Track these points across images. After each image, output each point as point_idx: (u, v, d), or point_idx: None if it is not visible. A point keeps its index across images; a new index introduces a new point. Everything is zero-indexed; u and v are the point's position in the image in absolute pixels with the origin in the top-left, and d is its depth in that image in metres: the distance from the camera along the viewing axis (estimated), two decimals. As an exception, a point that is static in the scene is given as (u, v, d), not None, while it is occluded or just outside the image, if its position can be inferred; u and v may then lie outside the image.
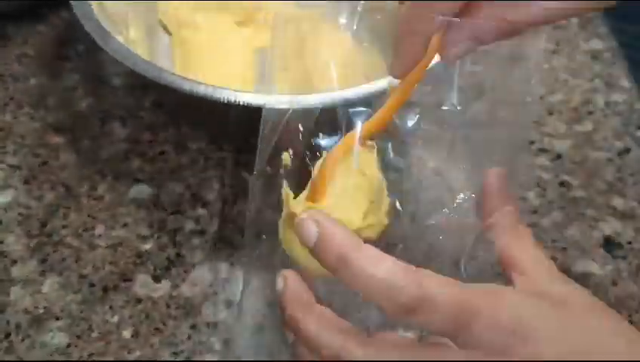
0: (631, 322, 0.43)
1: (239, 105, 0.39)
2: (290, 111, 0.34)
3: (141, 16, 0.51)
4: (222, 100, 0.39)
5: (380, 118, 0.33)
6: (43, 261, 0.44)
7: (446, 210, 0.35)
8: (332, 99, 0.39)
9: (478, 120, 0.48)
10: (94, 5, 0.45)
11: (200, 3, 0.56)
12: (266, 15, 0.57)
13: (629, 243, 0.47)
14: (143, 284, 0.43)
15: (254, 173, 0.34)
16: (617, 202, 0.50)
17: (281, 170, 0.35)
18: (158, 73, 0.41)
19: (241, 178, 0.49)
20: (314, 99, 0.39)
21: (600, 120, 0.56)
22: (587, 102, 0.57)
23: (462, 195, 0.35)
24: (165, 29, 0.55)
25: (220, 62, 0.54)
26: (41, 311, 0.42)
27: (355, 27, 0.48)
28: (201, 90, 0.40)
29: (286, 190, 0.34)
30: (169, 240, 0.45)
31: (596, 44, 0.62)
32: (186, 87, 0.40)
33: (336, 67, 0.48)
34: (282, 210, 0.34)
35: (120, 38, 0.44)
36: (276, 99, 0.38)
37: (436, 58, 0.31)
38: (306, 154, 0.35)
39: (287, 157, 0.35)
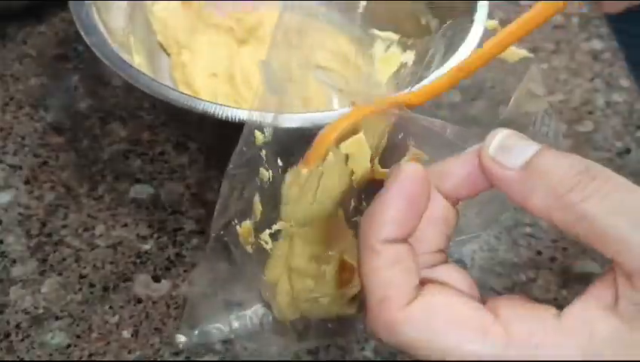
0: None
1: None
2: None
3: (142, 41, 0.51)
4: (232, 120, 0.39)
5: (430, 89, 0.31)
6: (43, 261, 0.44)
7: None
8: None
9: (479, 119, 0.48)
10: (104, 31, 0.44)
11: (198, 25, 0.56)
12: (267, 30, 0.57)
13: (629, 243, 0.47)
14: (143, 284, 0.43)
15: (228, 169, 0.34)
16: (617, 202, 0.50)
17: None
18: (166, 92, 0.40)
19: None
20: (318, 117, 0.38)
21: (600, 120, 0.56)
22: (587, 102, 0.57)
23: None
24: (165, 51, 0.55)
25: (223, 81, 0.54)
26: (41, 311, 0.42)
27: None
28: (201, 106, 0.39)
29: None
30: (169, 240, 0.45)
31: (596, 44, 0.62)
32: (200, 106, 0.39)
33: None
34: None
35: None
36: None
37: None
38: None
39: (264, 173, 0.35)
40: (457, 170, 0.25)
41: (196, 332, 0.40)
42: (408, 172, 0.24)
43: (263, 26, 0.56)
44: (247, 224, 0.36)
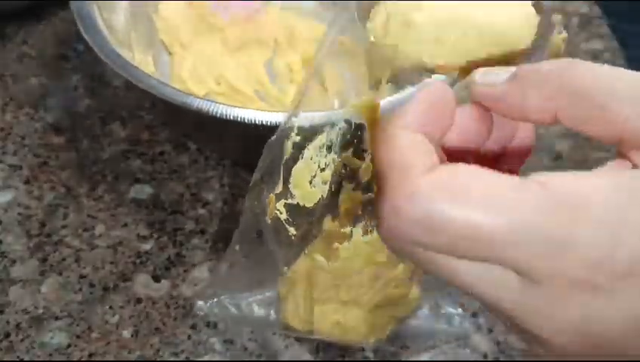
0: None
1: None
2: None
3: (143, 39, 0.51)
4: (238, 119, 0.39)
5: None
6: (43, 261, 0.44)
7: None
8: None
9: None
10: (104, 30, 0.44)
11: (201, 27, 0.56)
12: (269, 32, 0.57)
13: (630, 243, 0.47)
14: (143, 284, 0.43)
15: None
16: (617, 202, 0.50)
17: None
18: (163, 90, 0.40)
19: (241, 178, 0.49)
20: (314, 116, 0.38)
21: (600, 120, 0.56)
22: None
23: None
24: (166, 49, 0.55)
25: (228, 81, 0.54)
26: (41, 311, 0.42)
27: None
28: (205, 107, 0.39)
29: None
30: (169, 240, 0.45)
31: (596, 44, 0.62)
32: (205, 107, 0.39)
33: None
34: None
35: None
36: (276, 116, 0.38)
37: None
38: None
39: (287, 144, 0.35)
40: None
41: (215, 300, 0.40)
42: (434, 81, 0.24)
43: (266, 28, 0.57)
44: (272, 195, 0.36)
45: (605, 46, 0.62)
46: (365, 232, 0.37)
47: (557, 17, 0.32)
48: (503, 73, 0.24)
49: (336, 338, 0.40)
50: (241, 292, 0.41)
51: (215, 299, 0.41)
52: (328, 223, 0.38)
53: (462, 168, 0.20)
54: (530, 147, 0.28)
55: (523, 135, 0.27)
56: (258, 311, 0.41)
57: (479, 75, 0.25)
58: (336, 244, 0.37)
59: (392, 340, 0.41)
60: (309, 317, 0.39)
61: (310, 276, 0.38)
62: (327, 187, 0.35)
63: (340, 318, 0.39)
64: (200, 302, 0.41)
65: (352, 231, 0.37)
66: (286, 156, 0.35)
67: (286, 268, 0.40)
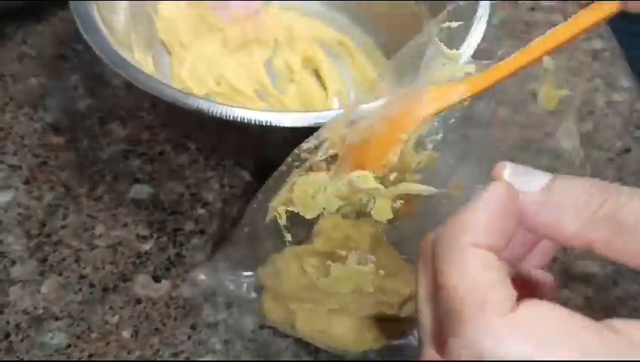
0: (631, 322, 0.43)
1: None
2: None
3: (143, 39, 0.51)
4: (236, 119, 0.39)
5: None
6: (42, 261, 0.44)
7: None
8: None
9: (479, 119, 0.48)
10: (104, 29, 0.44)
11: (201, 27, 0.56)
12: (269, 33, 0.57)
13: (630, 243, 0.47)
14: (142, 284, 0.43)
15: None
16: (617, 202, 0.50)
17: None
18: (163, 89, 0.40)
19: (241, 178, 0.49)
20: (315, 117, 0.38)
21: (600, 120, 0.56)
22: (587, 102, 0.57)
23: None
24: (166, 49, 0.55)
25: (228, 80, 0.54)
26: (41, 311, 0.42)
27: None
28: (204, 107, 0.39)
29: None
30: (169, 240, 0.45)
31: (596, 44, 0.62)
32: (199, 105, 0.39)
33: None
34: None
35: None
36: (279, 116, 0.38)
37: None
38: None
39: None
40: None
41: (215, 276, 0.41)
42: (500, 183, 0.22)
43: (266, 28, 0.56)
44: (282, 199, 0.36)
45: (605, 46, 0.62)
46: (360, 262, 0.36)
47: None
48: (536, 176, 0.22)
49: (322, 345, 0.40)
50: (238, 271, 0.42)
51: (216, 275, 0.41)
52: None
53: (542, 310, 0.19)
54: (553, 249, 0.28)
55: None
56: (253, 293, 0.41)
57: (508, 172, 0.22)
58: (329, 262, 0.37)
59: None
60: (289, 314, 0.39)
61: (293, 274, 0.38)
62: (331, 205, 0.35)
63: (326, 327, 0.39)
64: (202, 276, 0.41)
65: (347, 256, 0.37)
66: (297, 167, 0.35)
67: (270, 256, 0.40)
